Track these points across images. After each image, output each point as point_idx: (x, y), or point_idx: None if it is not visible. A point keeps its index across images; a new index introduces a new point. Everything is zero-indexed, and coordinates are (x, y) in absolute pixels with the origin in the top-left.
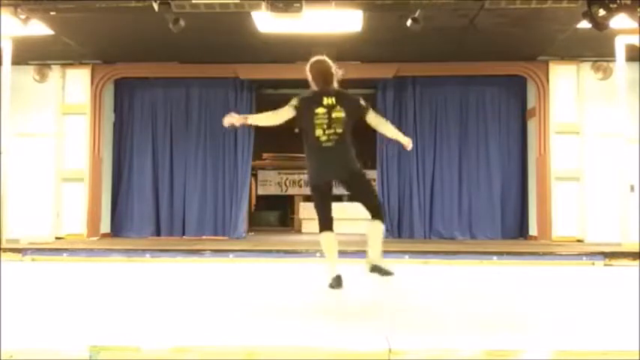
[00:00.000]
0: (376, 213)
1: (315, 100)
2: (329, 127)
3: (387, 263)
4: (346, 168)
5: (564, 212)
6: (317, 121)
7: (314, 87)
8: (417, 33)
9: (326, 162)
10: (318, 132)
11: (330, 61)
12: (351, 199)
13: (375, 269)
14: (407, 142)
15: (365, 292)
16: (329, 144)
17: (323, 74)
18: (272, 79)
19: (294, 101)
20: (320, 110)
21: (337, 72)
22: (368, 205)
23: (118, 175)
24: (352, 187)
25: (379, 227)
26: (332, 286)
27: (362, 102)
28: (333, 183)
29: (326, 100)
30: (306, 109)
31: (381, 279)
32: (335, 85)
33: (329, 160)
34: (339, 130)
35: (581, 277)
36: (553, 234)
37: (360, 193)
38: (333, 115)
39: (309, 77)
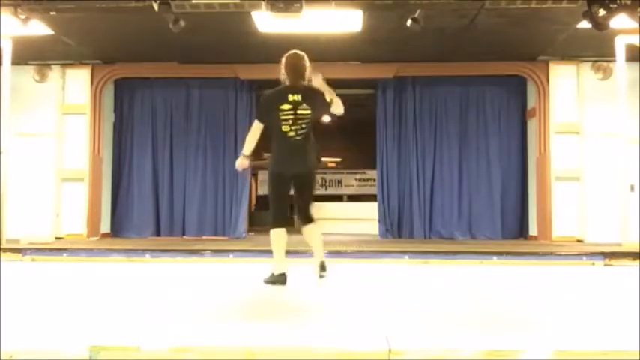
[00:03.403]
0: (308, 218)
1: (280, 97)
2: (295, 124)
3: (326, 263)
4: (307, 165)
5: (564, 212)
6: (282, 117)
7: (284, 80)
8: (417, 33)
9: (292, 155)
10: (285, 128)
11: (305, 57)
12: (294, 198)
13: (322, 267)
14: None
15: (365, 292)
16: (297, 138)
17: (295, 67)
18: (272, 79)
19: (257, 113)
20: (285, 106)
21: (312, 71)
22: (303, 209)
23: (118, 175)
24: (301, 186)
25: (316, 229)
26: (271, 282)
27: (326, 97)
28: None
29: (291, 97)
30: (271, 106)
31: (378, 279)
32: (306, 81)
33: (295, 154)
34: (305, 127)
35: (581, 277)
36: (553, 234)
37: (304, 195)
38: (299, 111)
39: (282, 69)
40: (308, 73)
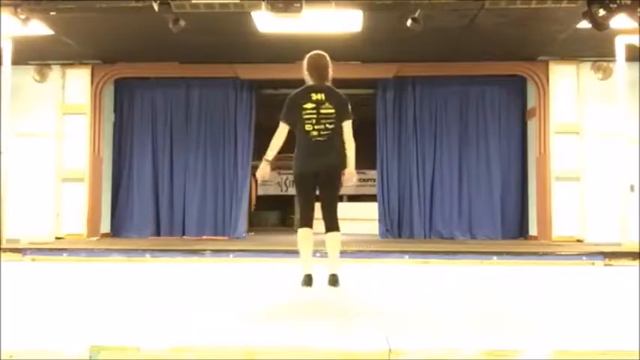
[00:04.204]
0: (332, 225)
1: (304, 96)
2: (318, 123)
3: (339, 276)
4: (327, 163)
5: (564, 212)
6: (305, 117)
7: (308, 80)
8: (417, 33)
9: (314, 154)
10: (308, 127)
11: (327, 57)
12: (319, 199)
13: (332, 281)
14: (348, 174)
15: (365, 292)
16: (320, 139)
17: (318, 68)
18: (272, 79)
19: (282, 115)
20: (308, 105)
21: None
22: (326, 213)
23: (118, 175)
24: (322, 185)
25: (337, 238)
26: (303, 284)
27: (349, 108)
28: (316, 181)
29: (315, 96)
30: (296, 105)
31: (378, 279)
32: (329, 82)
33: (317, 153)
34: (330, 126)
35: (581, 277)
36: (553, 234)
37: (324, 195)
38: (322, 110)
39: (305, 70)
40: (331, 72)
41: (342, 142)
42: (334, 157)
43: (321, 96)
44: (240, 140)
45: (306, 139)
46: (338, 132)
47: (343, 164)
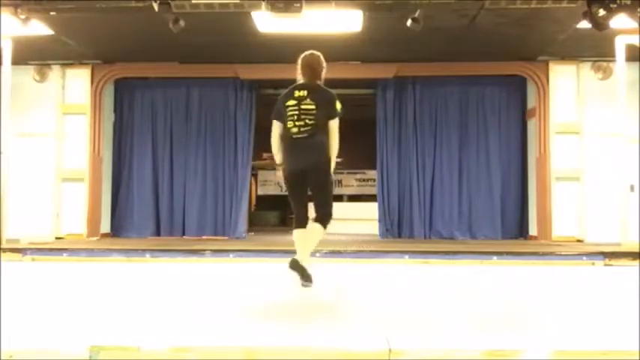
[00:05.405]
0: (317, 218)
1: (288, 94)
2: (299, 119)
3: (311, 269)
4: (310, 161)
5: (564, 212)
6: (288, 114)
7: (299, 80)
8: (417, 33)
9: (296, 152)
10: (290, 124)
11: (320, 57)
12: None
13: (296, 267)
14: None
15: (364, 292)
16: (300, 136)
17: (308, 67)
18: (272, 79)
19: (273, 114)
20: (290, 102)
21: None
22: (315, 207)
23: (118, 175)
24: (310, 183)
25: (316, 230)
26: (290, 266)
27: (337, 106)
28: (305, 179)
29: (297, 93)
30: (281, 104)
31: (378, 279)
32: (320, 82)
33: (299, 151)
34: (310, 122)
35: (581, 277)
36: (553, 234)
37: (313, 192)
38: (302, 106)
39: (298, 69)
40: (324, 72)
41: (326, 141)
42: (317, 154)
43: (303, 92)
44: (240, 140)
45: (288, 136)
46: (321, 129)
47: (328, 159)
